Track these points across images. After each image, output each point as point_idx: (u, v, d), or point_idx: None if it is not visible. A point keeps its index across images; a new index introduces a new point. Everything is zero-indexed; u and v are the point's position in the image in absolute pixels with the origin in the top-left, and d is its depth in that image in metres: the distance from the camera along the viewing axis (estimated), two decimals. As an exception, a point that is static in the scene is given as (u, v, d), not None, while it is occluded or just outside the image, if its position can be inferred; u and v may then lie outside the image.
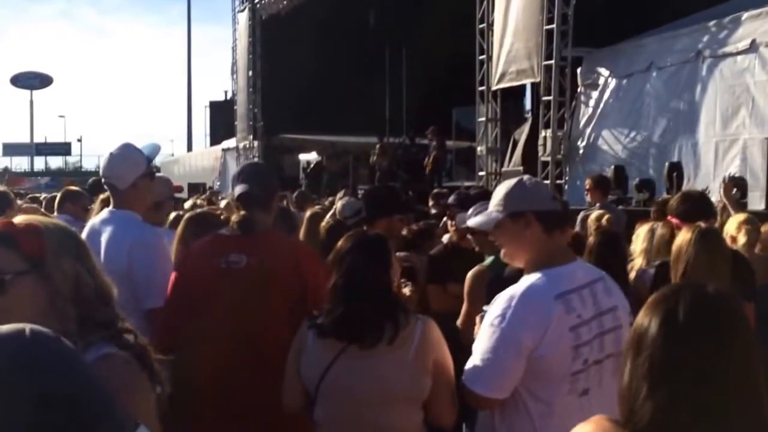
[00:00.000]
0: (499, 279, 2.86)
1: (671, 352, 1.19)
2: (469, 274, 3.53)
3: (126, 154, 3.08)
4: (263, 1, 19.36)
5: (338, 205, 4.77)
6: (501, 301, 2.11)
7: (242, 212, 2.72)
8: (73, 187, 5.68)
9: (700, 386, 1.17)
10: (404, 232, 4.42)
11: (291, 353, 2.33)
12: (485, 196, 5.91)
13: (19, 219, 1.61)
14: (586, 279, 2.19)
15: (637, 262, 3.96)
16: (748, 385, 1.18)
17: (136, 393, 1.49)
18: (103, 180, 3.15)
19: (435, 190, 9.63)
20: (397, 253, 4.06)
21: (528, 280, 2.15)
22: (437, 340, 2.24)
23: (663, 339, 1.20)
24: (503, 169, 11.80)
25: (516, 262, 2.26)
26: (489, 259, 3.54)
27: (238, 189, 2.76)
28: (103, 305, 1.58)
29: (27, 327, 1.08)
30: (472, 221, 2.36)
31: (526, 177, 2.32)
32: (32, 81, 52.87)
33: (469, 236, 3.78)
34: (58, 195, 5.45)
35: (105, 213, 3.09)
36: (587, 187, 6.85)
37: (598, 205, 6.50)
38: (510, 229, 2.21)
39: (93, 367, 1.41)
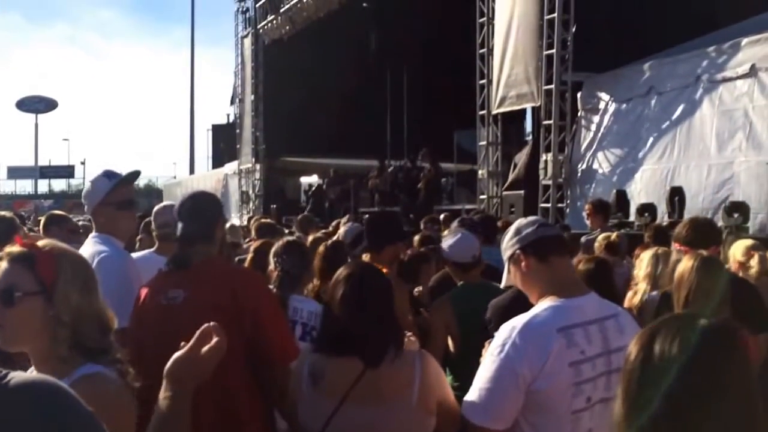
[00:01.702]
0: (505, 306, 2.89)
1: (644, 384, 1.18)
2: (433, 304, 3.65)
3: (91, 180, 3.20)
4: (266, 27, 19.60)
5: (341, 230, 4.83)
6: (503, 331, 2.10)
7: (178, 251, 2.71)
8: (58, 212, 5.79)
9: (672, 422, 1.15)
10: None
11: (290, 400, 2.31)
12: (489, 220, 5.99)
13: (43, 243, 1.74)
14: (597, 314, 2.16)
15: (641, 287, 3.96)
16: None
17: (117, 410, 1.60)
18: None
19: (430, 216, 9.67)
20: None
21: (533, 311, 2.14)
22: (437, 376, 2.21)
23: (640, 370, 1.20)
24: (504, 192, 11.85)
25: (533, 300, 2.24)
26: (454, 290, 3.63)
27: (178, 228, 2.74)
28: (100, 335, 1.70)
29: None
30: (505, 281, 2.39)
31: (516, 222, 2.36)
32: (37, 105, 53.22)
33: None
34: (43, 219, 5.48)
35: (88, 239, 3.17)
36: (587, 211, 6.86)
37: (599, 230, 6.50)
38: (514, 274, 2.27)
39: (77, 383, 1.54)
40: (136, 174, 3.25)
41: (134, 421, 1.66)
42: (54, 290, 1.64)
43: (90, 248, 3.03)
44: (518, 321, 2.10)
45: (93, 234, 3.16)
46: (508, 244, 2.29)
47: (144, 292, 2.74)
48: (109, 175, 3.14)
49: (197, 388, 2.42)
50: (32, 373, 1.27)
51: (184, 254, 2.68)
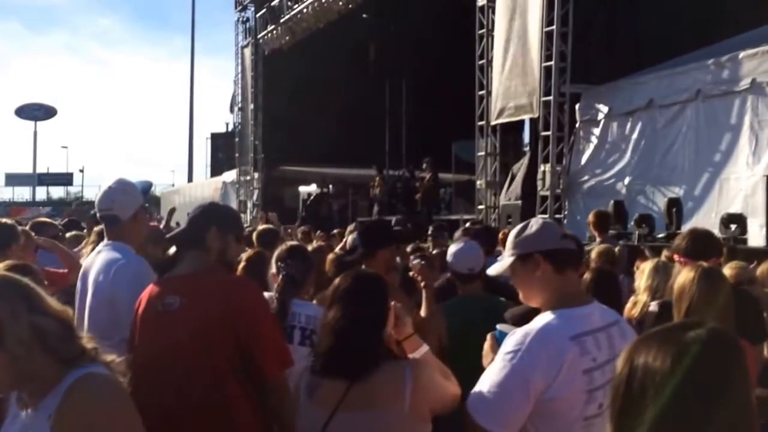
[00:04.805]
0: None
1: (633, 399, 1.17)
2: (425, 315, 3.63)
3: (125, 186, 3.24)
4: (266, 37, 19.68)
5: (348, 239, 4.88)
6: (516, 337, 2.07)
7: (168, 252, 2.73)
8: (42, 219, 5.86)
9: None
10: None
11: (287, 412, 2.39)
12: (490, 231, 6.03)
13: None
14: (603, 322, 2.17)
15: (642, 299, 3.97)
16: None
17: (119, 399, 1.61)
18: (99, 214, 3.23)
19: (437, 223, 9.70)
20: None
21: (544, 319, 2.12)
22: (428, 382, 2.21)
23: (626, 385, 1.18)
24: (502, 202, 11.87)
25: (532, 303, 2.23)
26: (449, 302, 3.62)
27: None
28: (69, 341, 1.63)
29: None
30: (491, 269, 2.35)
31: (535, 219, 2.31)
32: (36, 112, 53.14)
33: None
34: (27, 226, 5.50)
35: (100, 247, 3.19)
36: (590, 221, 6.91)
37: (599, 240, 6.53)
38: (521, 272, 2.21)
39: (71, 392, 1.55)
40: (150, 185, 3.34)
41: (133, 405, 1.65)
42: (3, 340, 1.54)
43: (105, 256, 3.06)
44: (531, 328, 2.08)
45: (106, 242, 3.17)
46: (522, 242, 2.21)
47: (143, 298, 2.74)
48: (131, 182, 3.23)
49: (193, 395, 2.44)
50: None
51: (169, 259, 2.71)
